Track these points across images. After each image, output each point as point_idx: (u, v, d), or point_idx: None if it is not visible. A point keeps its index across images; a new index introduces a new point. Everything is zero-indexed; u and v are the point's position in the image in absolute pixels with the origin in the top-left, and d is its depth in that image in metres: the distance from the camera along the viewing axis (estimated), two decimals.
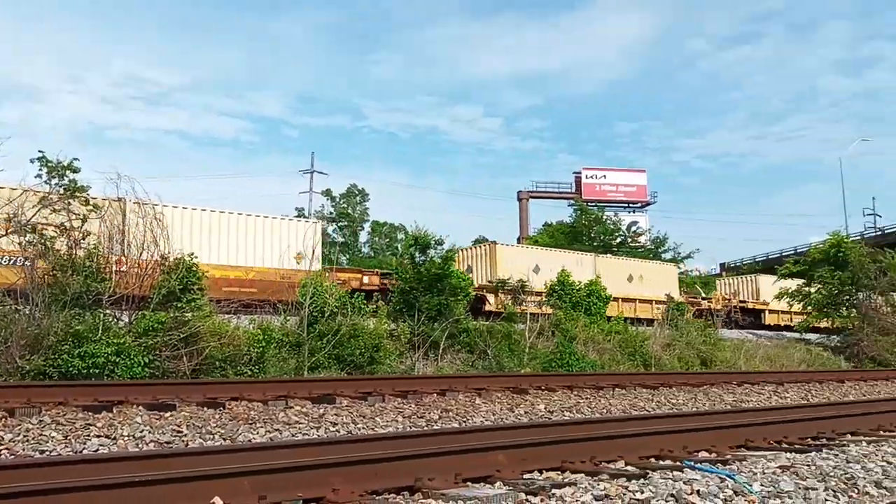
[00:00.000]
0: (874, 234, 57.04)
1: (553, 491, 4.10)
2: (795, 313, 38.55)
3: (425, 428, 7.31)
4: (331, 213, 73.55)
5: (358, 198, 76.56)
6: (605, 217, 54.91)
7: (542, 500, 3.94)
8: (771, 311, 38.87)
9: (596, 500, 3.99)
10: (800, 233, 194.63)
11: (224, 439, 6.98)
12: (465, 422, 8.04)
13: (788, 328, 37.46)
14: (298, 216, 70.19)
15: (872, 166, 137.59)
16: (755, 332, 34.86)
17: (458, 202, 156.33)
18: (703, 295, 38.02)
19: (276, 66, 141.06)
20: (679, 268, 54.45)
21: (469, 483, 4.31)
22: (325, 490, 4.03)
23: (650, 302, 32.12)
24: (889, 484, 4.76)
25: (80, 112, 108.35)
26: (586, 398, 10.70)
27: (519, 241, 62.72)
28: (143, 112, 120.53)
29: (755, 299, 39.23)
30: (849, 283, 32.11)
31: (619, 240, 55.11)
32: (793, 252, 52.96)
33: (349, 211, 74.50)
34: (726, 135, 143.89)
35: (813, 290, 33.44)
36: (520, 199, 71.20)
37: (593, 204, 63.63)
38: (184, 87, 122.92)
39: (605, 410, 9.64)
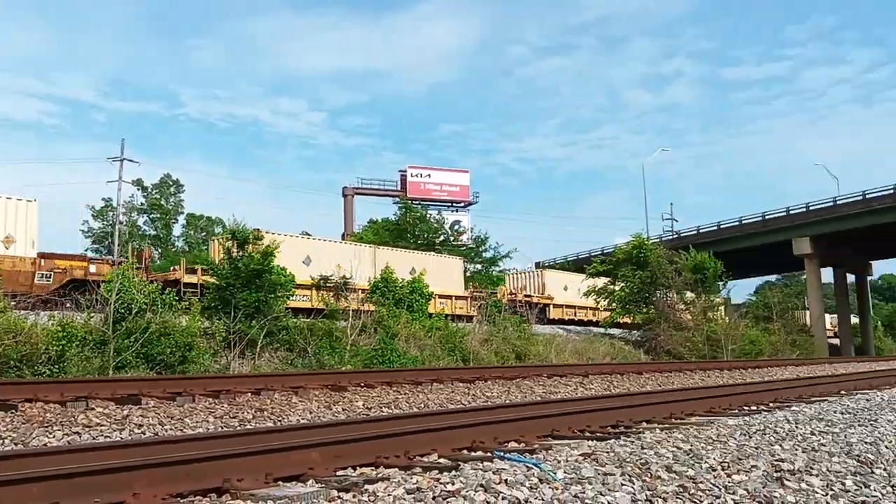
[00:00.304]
0: (671, 237, 61.75)
1: (366, 486, 4.07)
2: (579, 308, 40.65)
3: (237, 428, 7.08)
4: (142, 203, 69.70)
5: (172, 188, 73.10)
6: (428, 215, 55.81)
7: (354, 496, 3.91)
8: (556, 306, 40.47)
9: (408, 493, 4.00)
10: (608, 234, 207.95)
11: (15, 444, 6.43)
12: (280, 421, 7.86)
13: (572, 322, 39.54)
14: (106, 206, 66.08)
15: (670, 174, 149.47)
16: (566, 327, 36.73)
17: (282, 196, 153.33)
18: (491, 289, 39.23)
19: (86, 47, 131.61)
20: (499, 266, 56.50)
21: (280, 482, 4.21)
22: (125, 494, 3.79)
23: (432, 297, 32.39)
24: (678, 468, 5.13)
25: None
26: (405, 394, 10.80)
27: (343, 237, 62.46)
28: None
29: (540, 294, 40.45)
30: (648, 282, 34.64)
31: (442, 238, 56.18)
32: (600, 252, 56.21)
33: (162, 202, 70.92)
34: (542, 140, 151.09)
35: (617, 287, 35.80)
36: (345, 195, 70.94)
37: (418, 202, 64.53)
38: None
39: (422, 405, 9.76)
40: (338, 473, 4.47)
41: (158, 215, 70.12)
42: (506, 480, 4.37)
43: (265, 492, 3.89)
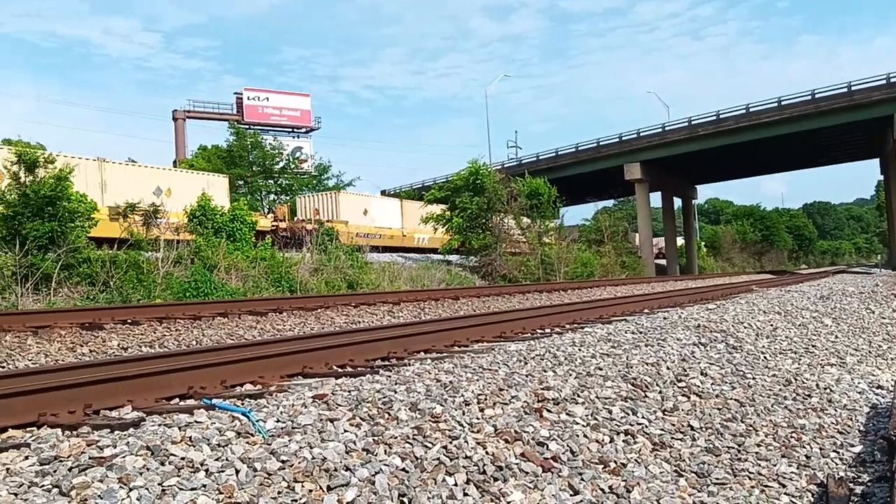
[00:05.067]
0: (514, 164, 62.42)
1: None
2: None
3: None
4: None
5: None
6: (263, 141, 53.23)
7: None
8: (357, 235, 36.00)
9: (42, 464, 3.12)
10: (455, 162, 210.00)
11: None
12: (2, 367, 6.68)
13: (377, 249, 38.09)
14: None
15: (514, 104, 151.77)
16: (404, 255, 36.29)
17: (114, 121, 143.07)
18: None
19: None
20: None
21: None
22: None
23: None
24: (425, 405, 4.50)
25: None
26: (176, 330, 9.69)
27: (175, 163, 58.91)
28: None
29: (336, 218, 36.51)
30: (485, 208, 34.58)
31: (280, 165, 53.99)
32: (445, 180, 55.94)
33: None
34: (390, 68, 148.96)
35: (455, 213, 35.50)
36: (175, 119, 66.44)
37: (256, 127, 61.58)
38: None
39: (195, 342, 8.80)
40: None
41: None
42: (189, 437, 3.56)
43: None
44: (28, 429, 3.80)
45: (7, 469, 3.03)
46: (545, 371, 5.98)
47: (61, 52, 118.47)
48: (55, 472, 3.03)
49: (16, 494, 2.81)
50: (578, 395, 5.44)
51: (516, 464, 4.07)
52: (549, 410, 5.01)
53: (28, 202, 17.78)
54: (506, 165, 58.17)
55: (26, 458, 3.19)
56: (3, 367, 6.68)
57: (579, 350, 7.01)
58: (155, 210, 21.40)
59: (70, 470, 3.04)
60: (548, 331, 8.66)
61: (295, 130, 70.67)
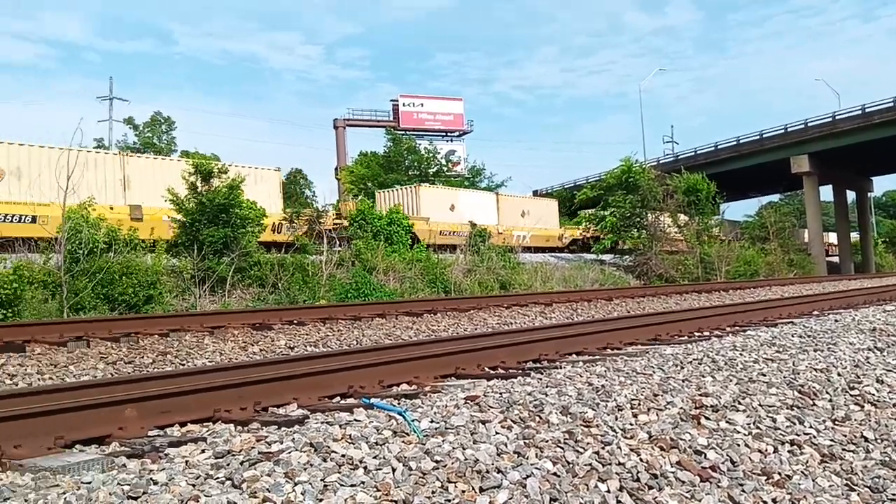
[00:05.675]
0: (670, 160, 60.46)
1: (168, 450, 3.44)
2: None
3: (116, 375, 6.45)
4: (134, 143, 68.83)
5: (164, 126, 72.31)
6: (418, 146, 54.55)
7: (142, 465, 3.27)
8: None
9: (217, 457, 3.37)
10: (608, 160, 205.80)
11: None
12: (183, 364, 7.25)
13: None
14: (98, 147, 65.32)
15: (670, 98, 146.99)
16: (556, 254, 36.06)
17: (278, 131, 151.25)
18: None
19: None
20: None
21: (79, 446, 3.58)
22: None
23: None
24: (576, 409, 4.47)
25: None
26: (338, 331, 10.13)
27: (337, 171, 61.53)
28: None
29: (416, 214, 32.96)
30: (639, 206, 33.74)
31: (435, 168, 55.11)
32: (597, 178, 55.07)
33: (154, 141, 70.06)
34: (541, 67, 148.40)
35: (608, 212, 34.88)
36: (336, 128, 69.42)
37: (410, 133, 63.19)
38: None
39: (354, 342, 9.16)
40: (152, 433, 3.83)
41: (152, 154, 69.38)
42: (349, 436, 3.72)
43: (36, 461, 3.26)
44: (205, 424, 4.11)
45: (186, 461, 3.30)
46: (703, 376, 5.77)
47: (230, 68, 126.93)
48: (228, 465, 3.26)
49: (193, 485, 3.05)
50: (739, 403, 5.21)
51: (672, 472, 3.95)
52: (707, 418, 4.83)
53: (204, 210, 19.17)
54: (661, 161, 56.48)
55: (203, 451, 3.46)
56: (184, 365, 7.26)
57: (740, 354, 6.72)
58: (318, 215, 22.48)
59: (241, 464, 3.27)
60: (706, 334, 8.35)
61: (448, 134, 71.92)
